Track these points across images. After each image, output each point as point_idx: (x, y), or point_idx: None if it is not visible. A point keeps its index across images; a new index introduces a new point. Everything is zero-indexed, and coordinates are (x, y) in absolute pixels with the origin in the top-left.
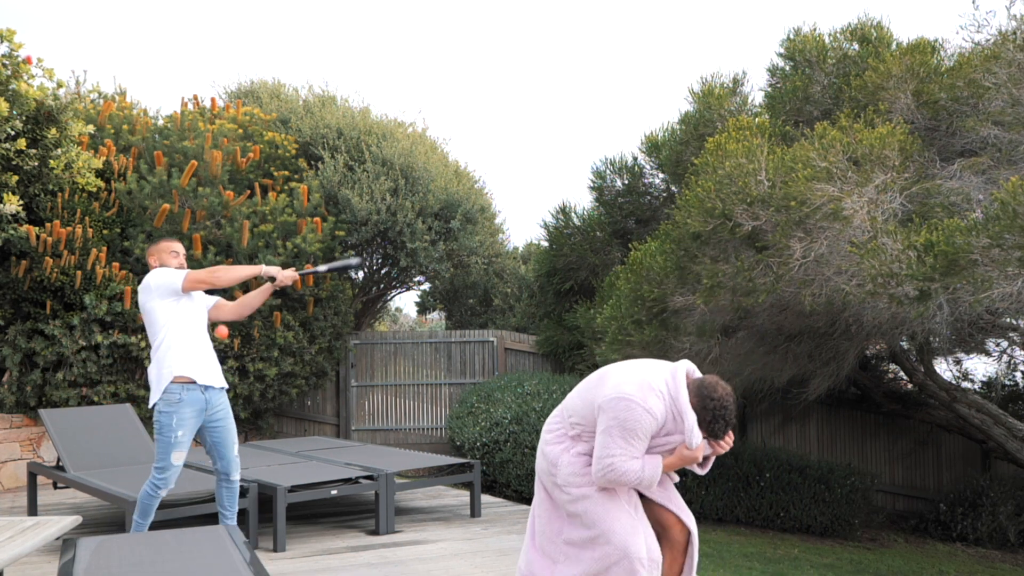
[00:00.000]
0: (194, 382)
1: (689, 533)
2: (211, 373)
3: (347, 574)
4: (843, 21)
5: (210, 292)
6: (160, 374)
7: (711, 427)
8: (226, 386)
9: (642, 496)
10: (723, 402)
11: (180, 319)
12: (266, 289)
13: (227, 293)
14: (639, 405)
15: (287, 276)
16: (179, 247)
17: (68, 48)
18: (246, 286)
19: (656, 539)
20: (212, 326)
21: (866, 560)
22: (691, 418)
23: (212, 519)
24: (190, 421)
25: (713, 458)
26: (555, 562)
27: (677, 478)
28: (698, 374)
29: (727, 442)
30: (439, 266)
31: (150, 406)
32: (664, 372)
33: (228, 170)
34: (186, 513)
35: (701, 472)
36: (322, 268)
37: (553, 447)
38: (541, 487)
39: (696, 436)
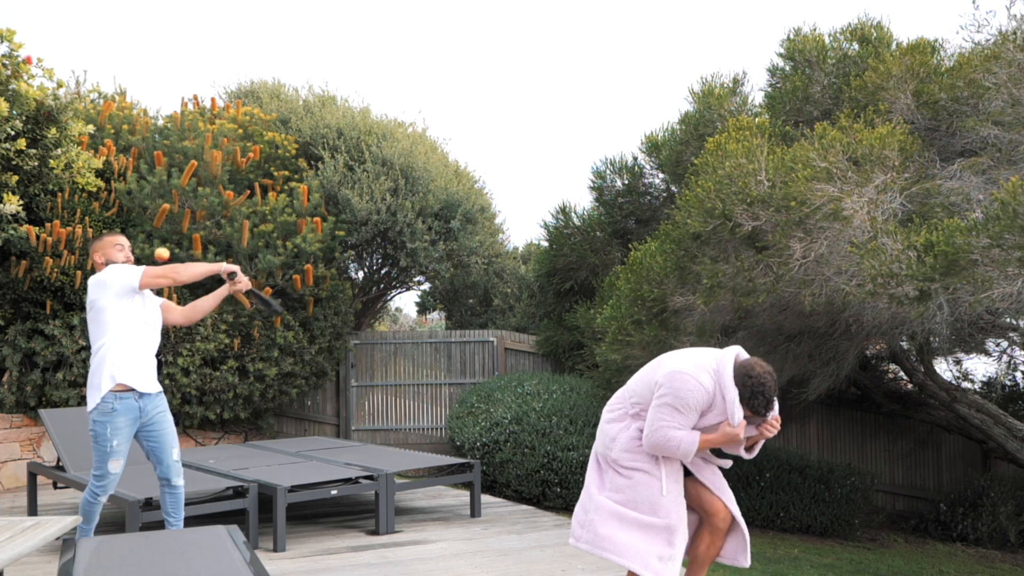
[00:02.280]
0: (132, 390)
1: (733, 519)
2: (148, 379)
3: (347, 574)
4: (843, 21)
5: (161, 294)
6: (100, 381)
7: (751, 403)
8: (160, 390)
9: (693, 479)
10: (761, 379)
11: (129, 321)
12: (220, 293)
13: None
14: (693, 379)
15: (244, 280)
16: (124, 240)
17: (68, 48)
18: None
19: (700, 526)
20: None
21: (866, 560)
22: (732, 392)
23: (212, 519)
24: (125, 430)
25: (761, 443)
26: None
27: (728, 463)
28: (746, 356)
29: (773, 425)
30: (439, 266)
31: (88, 411)
32: (715, 354)
33: (228, 170)
34: (186, 513)
35: (748, 457)
36: (263, 296)
37: (613, 425)
38: (595, 462)
39: (737, 412)
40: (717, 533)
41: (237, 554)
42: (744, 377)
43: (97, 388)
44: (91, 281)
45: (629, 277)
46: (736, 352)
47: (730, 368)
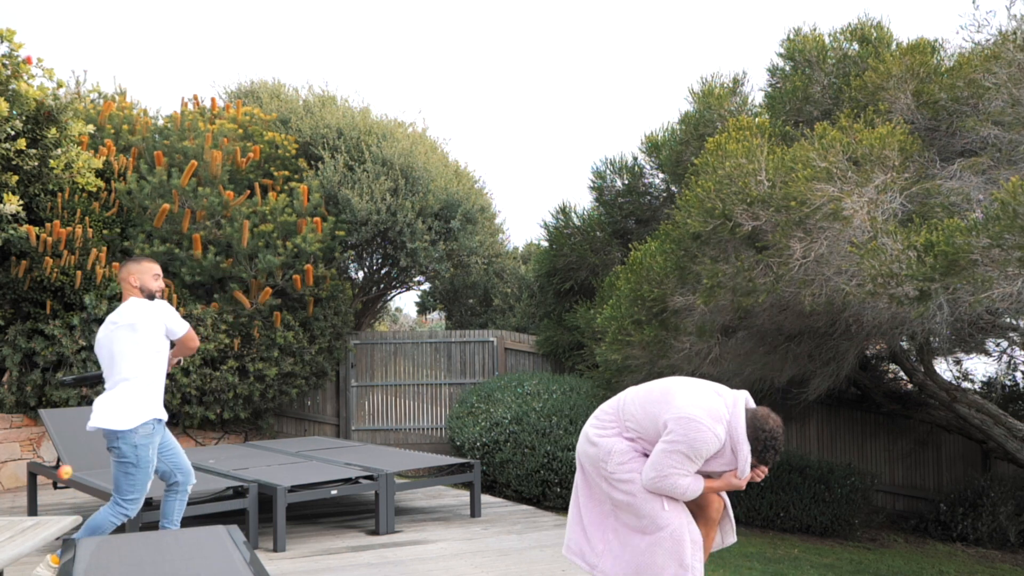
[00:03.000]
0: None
1: (724, 506)
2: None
3: (347, 574)
4: (843, 21)
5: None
6: (140, 407)
7: (762, 455)
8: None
9: None
10: (773, 433)
11: (161, 356)
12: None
13: (228, 289)
14: (709, 431)
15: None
16: (159, 269)
17: (68, 48)
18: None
19: (694, 519)
20: None
21: (866, 560)
22: (746, 449)
23: (212, 519)
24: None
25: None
26: (602, 545)
27: None
28: (752, 404)
29: (761, 473)
30: (439, 266)
31: (117, 430)
32: (726, 400)
33: (228, 170)
34: (186, 513)
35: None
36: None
37: (607, 439)
38: (582, 472)
39: (745, 466)
40: (711, 524)
41: (237, 554)
42: (758, 431)
43: (137, 412)
44: (142, 306)
45: (629, 277)
46: (745, 399)
47: (743, 420)
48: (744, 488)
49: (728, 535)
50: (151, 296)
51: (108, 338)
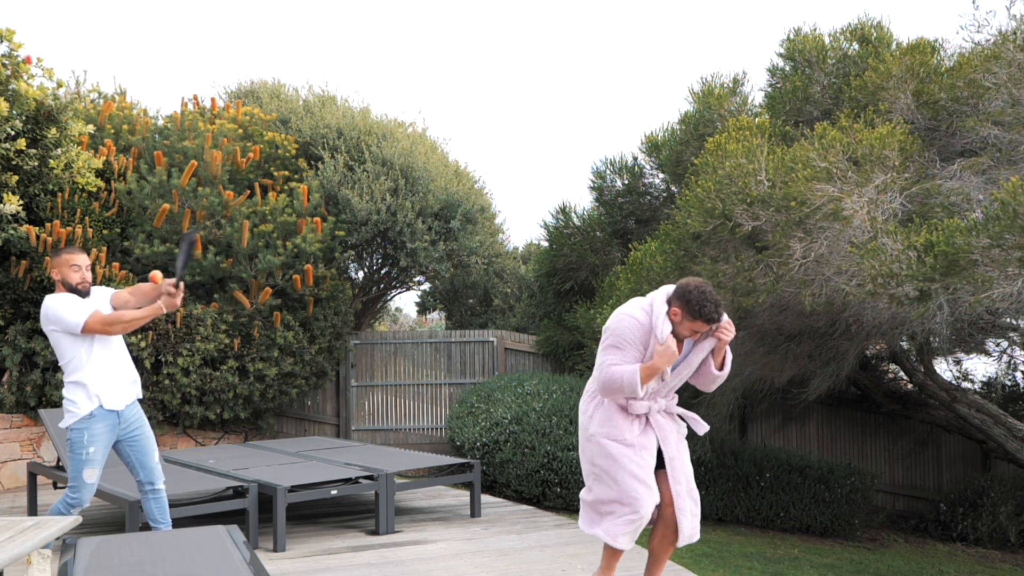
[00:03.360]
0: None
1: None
2: (120, 395)
3: (347, 574)
4: (843, 21)
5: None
6: (76, 398)
7: (702, 311)
8: (134, 399)
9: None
10: (700, 289)
11: (88, 342)
12: (156, 308)
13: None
14: (626, 315)
15: (178, 298)
16: (81, 259)
17: (68, 48)
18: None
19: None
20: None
21: (866, 560)
22: (659, 311)
23: (212, 519)
24: (102, 437)
25: (726, 355)
26: (587, 494)
27: (704, 428)
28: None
29: (727, 328)
30: (439, 266)
31: (62, 425)
32: (651, 294)
33: (228, 170)
34: (186, 513)
35: (721, 374)
36: (179, 264)
37: (587, 404)
38: (580, 442)
39: (663, 329)
40: (668, 525)
41: (237, 554)
42: (683, 296)
43: (73, 403)
44: (43, 305)
45: (629, 277)
46: (665, 287)
47: (661, 297)
48: (675, 352)
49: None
50: (72, 289)
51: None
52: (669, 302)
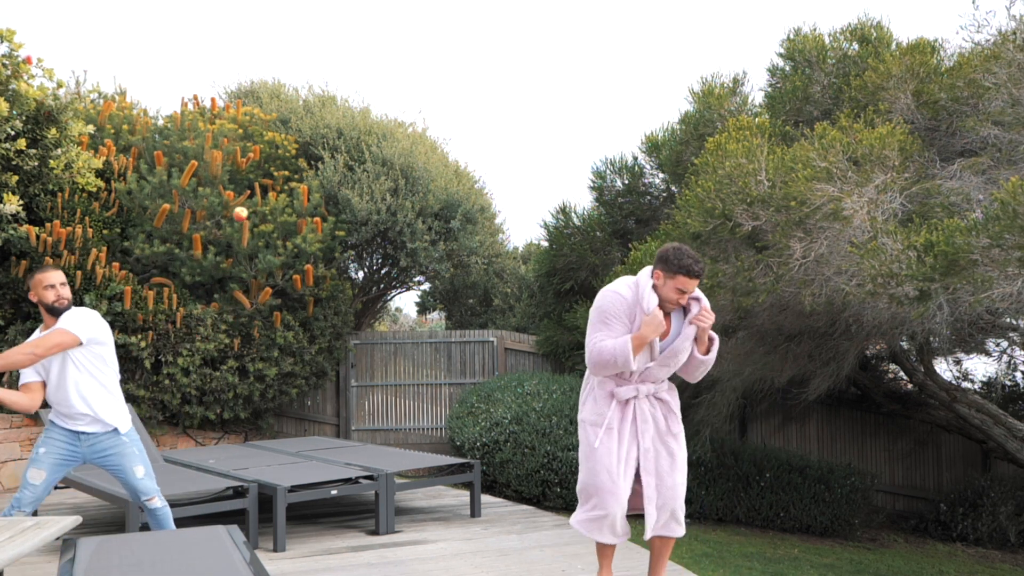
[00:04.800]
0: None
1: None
2: (86, 421)
3: (347, 574)
4: (843, 21)
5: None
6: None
7: (680, 263)
8: (111, 428)
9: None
10: (675, 248)
11: (52, 367)
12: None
13: (224, 290)
14: (611, 291)
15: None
16: (55, 278)
17: (68, 48)
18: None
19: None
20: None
21: (866, 560)
22: (645, 284)
23: (212, 519)
24: (56, 442)
25: (712, 340)
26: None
27: (680, 457)
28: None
29: (705, 314)
30: (439, 266)
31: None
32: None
33: (228, 170)
34: (186, 513)
35: (708, 359)
36: None
37: (581, 392)
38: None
39: (649, 301)
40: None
41: (237, 554)
42: (661, 256)
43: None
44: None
45: None
46: (650, 267)
47: (646, 272)
48: (662, 324)
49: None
50: (49, 310)
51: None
52: (651, 272)
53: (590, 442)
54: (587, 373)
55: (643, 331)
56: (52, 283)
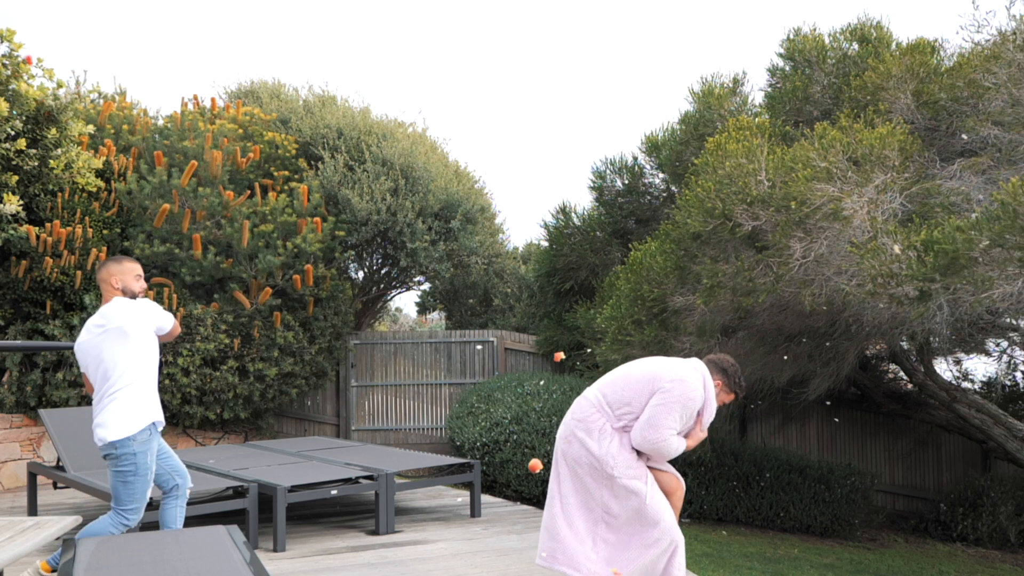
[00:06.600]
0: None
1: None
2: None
3: (347, 574)
4: (843, 21)
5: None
6: (137, 412)
7: (742, 390)
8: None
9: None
10: (734, 366)
11: (154, 355)
12: None
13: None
14: (696, 389)
15: None
16: (141, 269)
17: (68, 48)
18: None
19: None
20: None
21: (866, 560)
22: (713, 404)
23: (212, 519)
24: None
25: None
26: (594, 543)
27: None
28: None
29: (704, 434)
30: (439, 266)
31: (113, 440)
32: (695, 365)
33: (228, 170)
34: (186, 513)
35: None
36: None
37: (601, 443)
38: (573, 477)
39: (710, 414)
40: (676, 511)
41: (237, 554)
42: (723, 371)
43: (134, 418)
44: (129, 307)
45: (629, 277)
46: (695, 361)
47: (709, 377)
48: (706, 437)
49: None
50: (133, 298)
51: (94, 344)
52: (711, 377)
53: (642, 491)
54: (604, 419)
55: (691, 444)
56: (141, 273)
